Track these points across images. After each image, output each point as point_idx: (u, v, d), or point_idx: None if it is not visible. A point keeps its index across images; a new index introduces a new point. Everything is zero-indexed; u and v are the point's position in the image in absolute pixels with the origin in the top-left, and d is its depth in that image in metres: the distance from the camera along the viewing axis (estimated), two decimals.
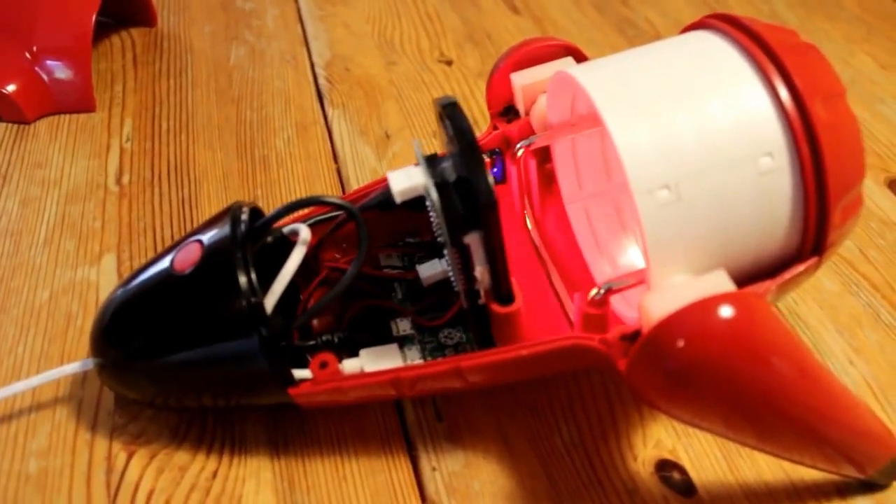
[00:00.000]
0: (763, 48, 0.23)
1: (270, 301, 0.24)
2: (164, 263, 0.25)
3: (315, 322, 0.29)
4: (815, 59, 0.24)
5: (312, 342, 0.27)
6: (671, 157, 0.22)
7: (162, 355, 0.24)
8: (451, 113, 0.23)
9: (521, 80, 0.30)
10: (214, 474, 0.26)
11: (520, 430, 0.28)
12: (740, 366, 0.21)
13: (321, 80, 0.46)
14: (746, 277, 0.24)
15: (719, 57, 0.24)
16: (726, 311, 0.21)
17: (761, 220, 0.23)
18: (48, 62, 0.39)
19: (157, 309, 0.24)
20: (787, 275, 0.24)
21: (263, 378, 0.24)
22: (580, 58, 0.30)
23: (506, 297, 0.24)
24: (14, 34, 0.38)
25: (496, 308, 0.24)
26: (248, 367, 0.24)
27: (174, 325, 0.24)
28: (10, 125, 0.39)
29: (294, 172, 0.39)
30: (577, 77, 0.24)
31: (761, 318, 0.21)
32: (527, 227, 0.31)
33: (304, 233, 0.26)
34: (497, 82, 0.31)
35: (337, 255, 0.30)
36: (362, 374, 0.25)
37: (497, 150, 0.30)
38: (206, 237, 0.25)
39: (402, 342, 0.28)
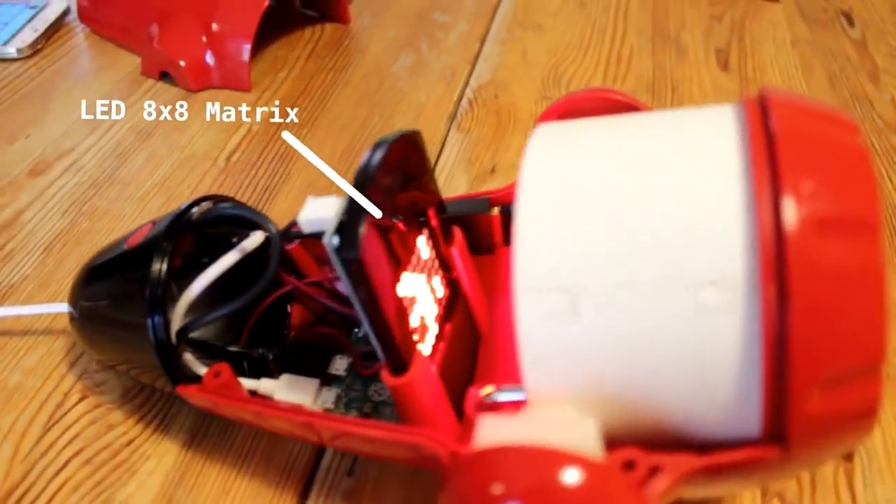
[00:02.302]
0: (768, 139, 0.17)
1: (188, 296, 0.24)
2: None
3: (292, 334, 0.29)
4: (847, 169, 0.16)
5: (246, 350, 0.26)
6: (578, 257, 0.17)
7: (97, 318, 0.26)
8: (374, 146, 0.21)
9: None
10: (129, 442, 0.27)
11: None
12: None
13: (463, 102, 0.44)
14: (674, 442, 0.18)
15: (711, 142, 0.18)
16: (570, 477, 0.16)
17: (689, 375, 0.17)
18: (219, 43, 0.44)
19: (103, 276, 0.26)
20: (719, 458, 0.17)
21: (155, 368, 0.24)
22: None
23: (394, 365, 0.21)
24: (198, 18, 0.44)
25: (384, 376, 0.21)
26: (145, 355, 0.24)
27: (108, 295, 0.25)
28: (179, 91, 0.45)
29: None
30: (534, 135, 0.20)
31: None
32: None
33: (248, 240, 0.25)
34: None
35: (330, 273, 0.29)
36: (235, 398, 0.23)
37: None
38: (158, 220, 0.25)
39: (332, 381, 0.26)
